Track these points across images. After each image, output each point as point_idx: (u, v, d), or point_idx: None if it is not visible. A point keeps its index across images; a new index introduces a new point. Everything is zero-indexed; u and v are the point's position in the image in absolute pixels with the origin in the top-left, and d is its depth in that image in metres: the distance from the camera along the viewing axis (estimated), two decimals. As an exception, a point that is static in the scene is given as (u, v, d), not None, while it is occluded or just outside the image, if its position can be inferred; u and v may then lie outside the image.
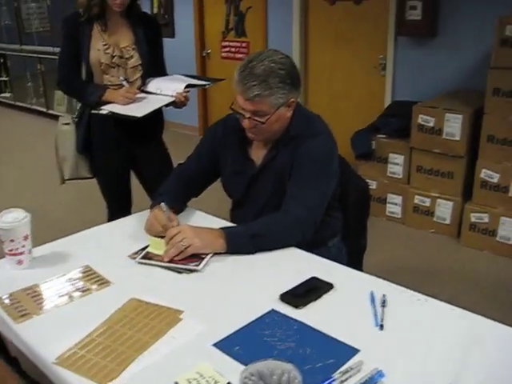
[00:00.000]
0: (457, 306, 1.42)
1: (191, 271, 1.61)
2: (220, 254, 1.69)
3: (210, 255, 1.67)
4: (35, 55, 7.46)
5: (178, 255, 1.64)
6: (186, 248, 1.64)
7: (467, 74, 4.14)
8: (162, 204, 1.79)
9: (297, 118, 1.87)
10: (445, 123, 3.64)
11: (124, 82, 2.58)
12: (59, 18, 2.64)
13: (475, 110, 3.59)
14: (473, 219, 3.64)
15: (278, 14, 5.33)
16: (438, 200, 3.83)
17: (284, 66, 1.74)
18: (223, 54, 6.00)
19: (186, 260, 1.64)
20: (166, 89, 2.61)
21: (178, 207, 1.97)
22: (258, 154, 1.93)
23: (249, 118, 1.77)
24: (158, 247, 1.70)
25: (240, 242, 1.69)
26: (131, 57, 2.62)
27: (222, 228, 1.73)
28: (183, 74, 2.84)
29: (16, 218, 1.60)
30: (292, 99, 1.80)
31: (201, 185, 2.06)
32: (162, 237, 1.73)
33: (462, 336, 1.29)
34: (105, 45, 2.55)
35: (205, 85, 2.88)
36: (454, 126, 3.60)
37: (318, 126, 1.89)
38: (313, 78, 5.27)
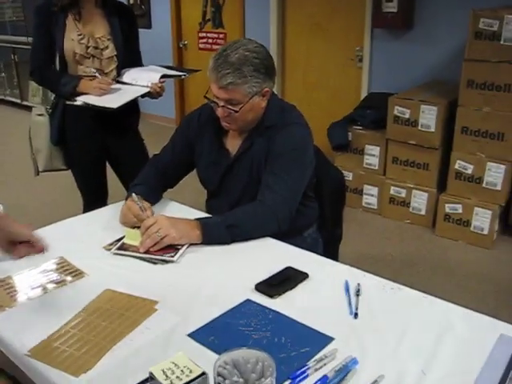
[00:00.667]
0: (431, 294, 1.44)
1: (166, 262, 1.60)
2: (195, 244, 1.69)
3: (186, 246, 1.67)
4: (8, 45, 7.33)
5: (153, 246, 1.63)
6: (161, 239, 1.63)
7: (442, 66, 4.18)
8: (133, 195, 1.78)
9: (272, 108, 1.87)
10: (420, 115, 3.67)
11: (97, 74, 2.55)
12: (33, 7, 2.60)
13: (450, 102, 3.63)
14: (447, 210, 3.69)
15: (255, 5, 5.31)
16: (414, 191, 3.87)
17: (258, 55, 1.74)
18: (200, 46, 5.96)
19: (162, 251, 1.64)
20: (141, 79, 2.59)
21: (154, 198, 1.96)
22: (233, 144, 1.93)
23: (222, 106, 1.77)
24: (133, 238, 1.69)
25: (216, 233, 1.69)
26: (106, 47, 2.58)
27: (197, 219, 1.72)
28: (159, 65, 2.82)
29: (-12, 210, 1.57)
30: (266, 89, 1.80)
31: (176, 175, 2.06)
32: (138, 227, 1.72)
33: (434, 323, 1.31)
34: (79, 35, 2.51)
35: (180, 75, 2.87)
36: (429, 117, 3.64)
37: (293, 116, 1.90)
38: (290, 68, 5.27)
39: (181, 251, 1.64)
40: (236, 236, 1.70)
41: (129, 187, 1.98)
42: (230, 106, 1.77)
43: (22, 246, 1.36)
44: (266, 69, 1.77)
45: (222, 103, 1.77)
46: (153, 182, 1.98)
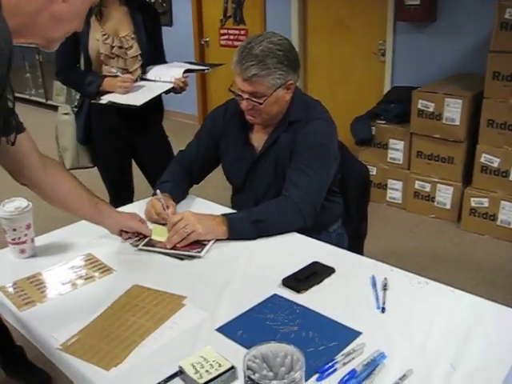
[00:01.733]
0: (458, 289, 1.42)
1: (193, 257, 1.61)
2: (222, 240, 1.70)
3: (212, 241, 1.68)
4: (33, 46, 7.40)
5: (180, 242, 1.65)
6: (188, 234, 1.64)
7: (467, 59, 4.13)
8: (158, 192, 1.80)
9: (296, 103, 1.87)
10: (445, 108, 3.63)
11: (119, 73, 2.57)
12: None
13: (475, 95, 3.58)
14: (473, 204, 3.65)
15: (277, 1, 5.30)
16: (439, 185, 3.83)
17: (282, 48, 1.75)
18: (222, 42, 5.97)
19: (188, 246, 1.65)
20: (164, 75, 2.61)
21: (180, 195, 1.98)
22: (258, 140, 1.94)
23: (247, 99, 1.78)
24: (160, 234, 1.71)
25: (242, 228, 1.70)
26: (130, 47, 2.60)
27: (223, 214, 1.73)
28: (182, 61, 2.83)
29: (18, 207, 1.60)
30: (290, 81, 1.80)
31: (202, 171, 2.07)
32: (164, 224, 1.74)
33: (462, 317, 1.30)
34: (104, 35, 2.54)
35: (204, 69, 2.88)
36: (453, 110, 3.60)
37: (317, 112, 1.89)
38: (312, 64, 5.25)
39: (207, 247, 1.65)
40: (262, 231, 1.71)
41: (155, 184, 2.00)
42: (254, 99, 1.77)
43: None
44: (290, 61, 1.77)
45: (246, 96, 1.78)
46: (179, 179, 1.99)
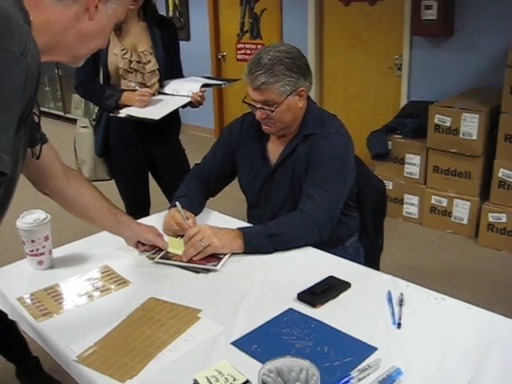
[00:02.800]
0: (475, 305, 1.41)
1: (209, 271, 1.62)
2: (238, 253, 1.71)
3: (228, 255, 1.68)
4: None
5: (196, 255, 1.65)
6: (204, 248, 1.65)
7: (484, 73, 4.12)
8: (177, 203, 1.81)
9: (311, 116, 1.89)
10: (461, 123, 3.61)
11: (137, 87, 2.60)
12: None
13: (492, 109, 3.57)
14: (490, 219, 3.61)
15: (293, 16, 5.34)
16: (455, 200, 3.81)
17: (290, 55, 1.77)
18: (239, 56, 6.01)
19: (204, 260, 1.65)
20: (182, 90, 2.64)
21: (197, 208, 1.98)
22: (274, 153, 1.95)
23: (260, 108, 1.80)
24: (176, 246, 1.72)
25: (258, 242, 1.70)
26: (149, 61, 2.63)
27: (239, 228, 1.74)
28: (199, 76, 2.86)
29: (37, 219, 1.62)
30: (301, 88, 1.81)
31: (218, 185, 2.08)
32: (181, 236, 1.75)
33: (480, 334, 1.29)
34: (123, 50, 2.57)
35: (221, 84, 2.90)
36: (470, 125, 3.58)
37: (333, 126, 1.90)
38: (328, 78, 5.26)
39: (223, 260, 1.65)
40: (278, 245, 1.71)
41: (171, 198, 2.01)
42: (266, 107, 1.80)
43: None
44: (299, 68, 1.79)
45: (258, 105, 1.81)
46: (195, 193, 2.00)
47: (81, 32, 1.14)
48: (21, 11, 1.04)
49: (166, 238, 1.79)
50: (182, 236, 1.75)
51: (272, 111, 1.79)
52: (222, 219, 1.99)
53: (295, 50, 1.82)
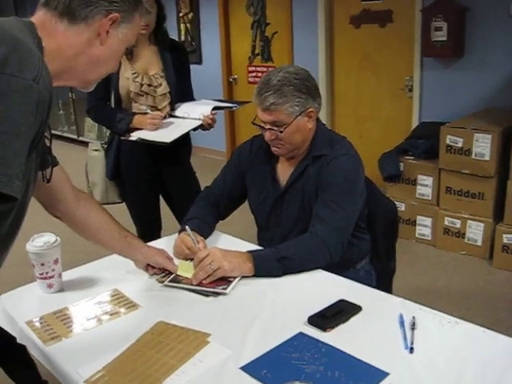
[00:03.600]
0: (490, 329, 1.38)
1: (219, 294, 1.61)
2: (248, 276, 1.69)
3: (238, 278, 1.67)
4: (67, 84, 7.62)
5: (206, 278, 1.64)
6: (214, 271, 1.64)
7: (495, 93, 4.10)
8: (187, 227, 1.81)
9: (320, 137, 1.89)
10: (474, 143, 3.59)
11: (148, 110, 2.62)
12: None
13: (504, 129, 3.55)
14: (505, 240, 3.57)
15: (304, 39, 5.38)
16: (469, 221, 3.77)
17: (298, 76, 1.79)
18: (250, 79, 6.06)
19: (214, 283, 1.64)
20: (193, 112, 2.65)
21: (207, 231, 1.97)
22: (284, 175, 1.94)
23: (269, 129, 1.81)
24: (186, 270, 1.71)
25: (268, 266, 1.69)
26: (160, 85, 2.66)
27: (249, 251, 1.73)
28: (210, 99, 2.88)
29: (47, 242, 1.62)
30: (310, 109, 1.82)
31: (228, 207, 2.07)
32: (191, 259, 1.74)
33: (495, 359, 1.26)
34: (134, 73, 2.60)
35: (231, 107, 2.92)
36: (483, 145, 3.56)
37: (343, 147, 1.90)
38: (340, 101, 5.28)
39: (233, 284, 1.64)
40: (288, 268, 1.69)
41: (182, 221, 2.01)
42: (275, 128, 1.80)
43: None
44: (308, 89, 1.80)
45: (267, 126, 1.82)
46: (205, 215, 1.99)
47: (92, 57, 1.17)
48: (34, 38, 1.07)
49: (175, 261, 1.78)
50: (192, 259, 1.74)
51: (281, 132, 1.80)
52: (232, 242, 1.98)
53: (304, 71, 1.84)
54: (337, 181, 1.82)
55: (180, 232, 1.91)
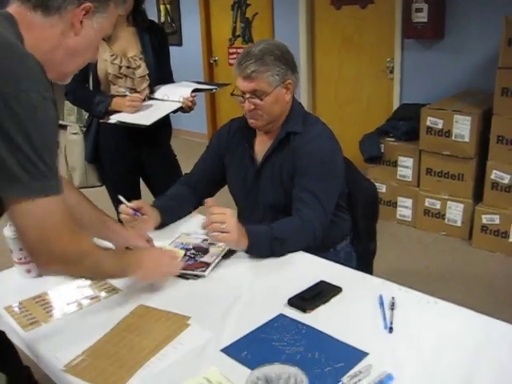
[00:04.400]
0: (468, 308, 1.40)
1: (198, 277, 1.61)
2: (227, 258, 1.70)
3: (217, 261, 1.67)
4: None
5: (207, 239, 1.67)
6: (222, 232, 1.59)
7: (475, 75, 4.12)
8: (119, 196, 1.83)
9: (295, 112, 1.91)
10: (454, 125, 3.61)
11: (127, 92, 2.59)
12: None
13: (484, 111, 3.57)
14: (484, 221, 3.61)
15: (285, 20, 5.34)
16: (449, 202, 3.81)
17: (279, 48, 1.83)
18: (231, 61, 6.00)
19: (193, 266, 1.64)
20: (173, 95, 2.62)
21: (175, 210, 1.98)
22: (260, 152, 1.96)
23: (248, 98, 1.81)
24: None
25: (260, 244, 1.68)
26: (138, 66, 2.62)
27: (245, 227, 1.69)
28: (190, 81, 2.85)
29: (24, 227, 1.60)
30: (289, 80, 1.84)
31: (207, 191, 2.06)
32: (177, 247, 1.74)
33: (472, 338, 1.28)
34: (112, 55, 2.56)
35: (211, 89, 2.90)
36: (462, 127, 3.58)
37: (318, 130, 1.90)
38: (320, 82, 5.26)
39: (211, 266, 1.64)
40: (276, 250, 1.69)
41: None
42: (255, 98, 1.81)
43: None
44: (287, 60, 1.83)
45: (247, 95, 1.82)
46: (178, 197, 2.01)
47: (68, 48, 1.19)
48: (16, 34, 1.11)
49: (156, 243, 1.77)
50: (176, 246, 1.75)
51: (261, 100, 1.80)
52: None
53: (284, 45, 1.87)
54: (315, 164, 1.82)
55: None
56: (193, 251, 1.74)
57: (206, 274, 1.61)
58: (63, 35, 1.15)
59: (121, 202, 1.83)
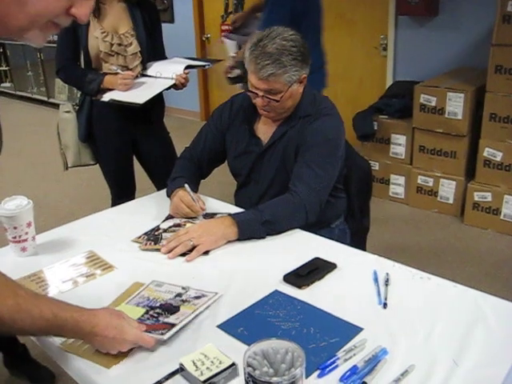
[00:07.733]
0: (461, 284, 1.42)
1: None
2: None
3: (184, 323, 1.29)
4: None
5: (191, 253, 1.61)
6: (194, 247, 1.61)
7: (469, 53, 4.11)
8: (186, 185, 1.80)
9: (305, 98, 1.88)
10: (447, 102, 3.61)
11: (119, 70, 2.56)
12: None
13: (477, 89, 3.57)
14: (476, 198, 3.64)
15: (278, -4, 5.27)
16: (441, 180, 3.82)
17: (295, 43, 1.74)
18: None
19: (152, 327, 1.29)
20: (165, 72, 2.60)
21: (194, 190, 1.97)
22: (265, 132, 1.94)
23: (262, 96, 1.78)
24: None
25: (252, 229, 1.68)
26: (130, 44, 2.59)
27: (231, 215, 1.71)
28: (182, 57, 2.82)
29: (19, 205, 1.60)
30: (304, 75, 1.81)
31: (209, 166, 2.06)
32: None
33: (464, 312, 1.30)
34: (103, 32, 2.53)
35: (204, 65, 2.87)
36: (456, 104, 3.58)
37: (326, 107, 1.89)
38: (313, 60, 5.22)
39: (175, 329, 1.28)
40: (270, 231, 1.70)
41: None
42: (269, 96, 1.77)
43: None
44: (303, 56, 1.77)
45: (261, 93, 1.78)
46: (190, 174, 1.97)
47: None
48: None
49: (151, 222, 1.77)
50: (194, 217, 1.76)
51: (277, 101, 1.77)
52: (210, 202, 1.97)
53: (298, 37, 1.78)
54: (319, 141, 1.81)
55: (168, 192, 1.90)
56: (158, 310, 1.36)
57: (165, 337, 1.25)
58: None
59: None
